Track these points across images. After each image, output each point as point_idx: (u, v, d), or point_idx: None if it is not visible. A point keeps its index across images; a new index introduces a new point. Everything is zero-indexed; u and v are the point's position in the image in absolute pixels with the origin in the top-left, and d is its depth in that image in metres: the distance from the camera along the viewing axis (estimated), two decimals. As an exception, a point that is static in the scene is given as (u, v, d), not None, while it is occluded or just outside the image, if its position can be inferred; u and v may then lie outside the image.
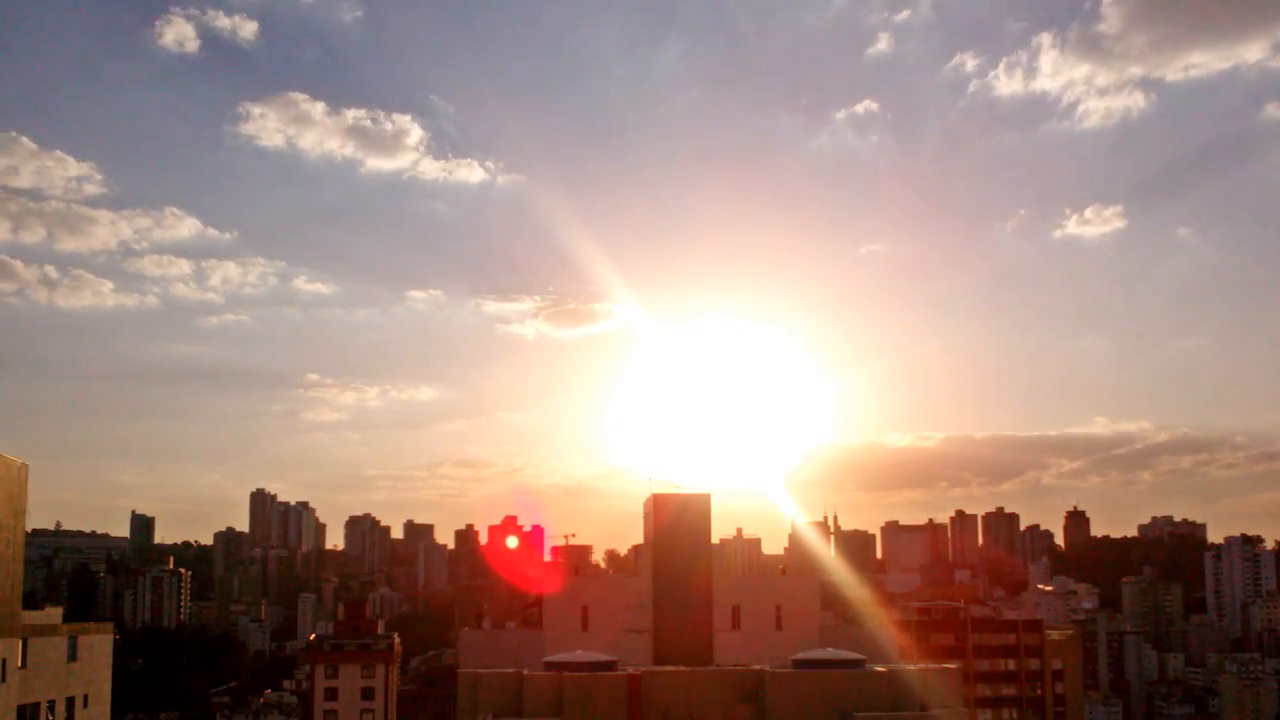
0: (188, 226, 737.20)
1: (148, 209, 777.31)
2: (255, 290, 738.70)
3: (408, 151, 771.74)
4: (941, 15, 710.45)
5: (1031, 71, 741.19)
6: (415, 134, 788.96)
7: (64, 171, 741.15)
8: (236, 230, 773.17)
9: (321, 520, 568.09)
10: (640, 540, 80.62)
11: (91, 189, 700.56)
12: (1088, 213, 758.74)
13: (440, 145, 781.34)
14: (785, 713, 59.81)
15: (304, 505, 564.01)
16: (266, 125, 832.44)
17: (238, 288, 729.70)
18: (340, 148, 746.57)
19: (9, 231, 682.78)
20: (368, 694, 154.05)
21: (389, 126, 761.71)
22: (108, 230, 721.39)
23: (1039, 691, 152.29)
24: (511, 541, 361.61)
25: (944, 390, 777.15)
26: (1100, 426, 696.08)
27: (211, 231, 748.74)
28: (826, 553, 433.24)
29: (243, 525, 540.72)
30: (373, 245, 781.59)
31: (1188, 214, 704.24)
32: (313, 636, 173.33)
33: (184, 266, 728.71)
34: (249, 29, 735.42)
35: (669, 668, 64.52)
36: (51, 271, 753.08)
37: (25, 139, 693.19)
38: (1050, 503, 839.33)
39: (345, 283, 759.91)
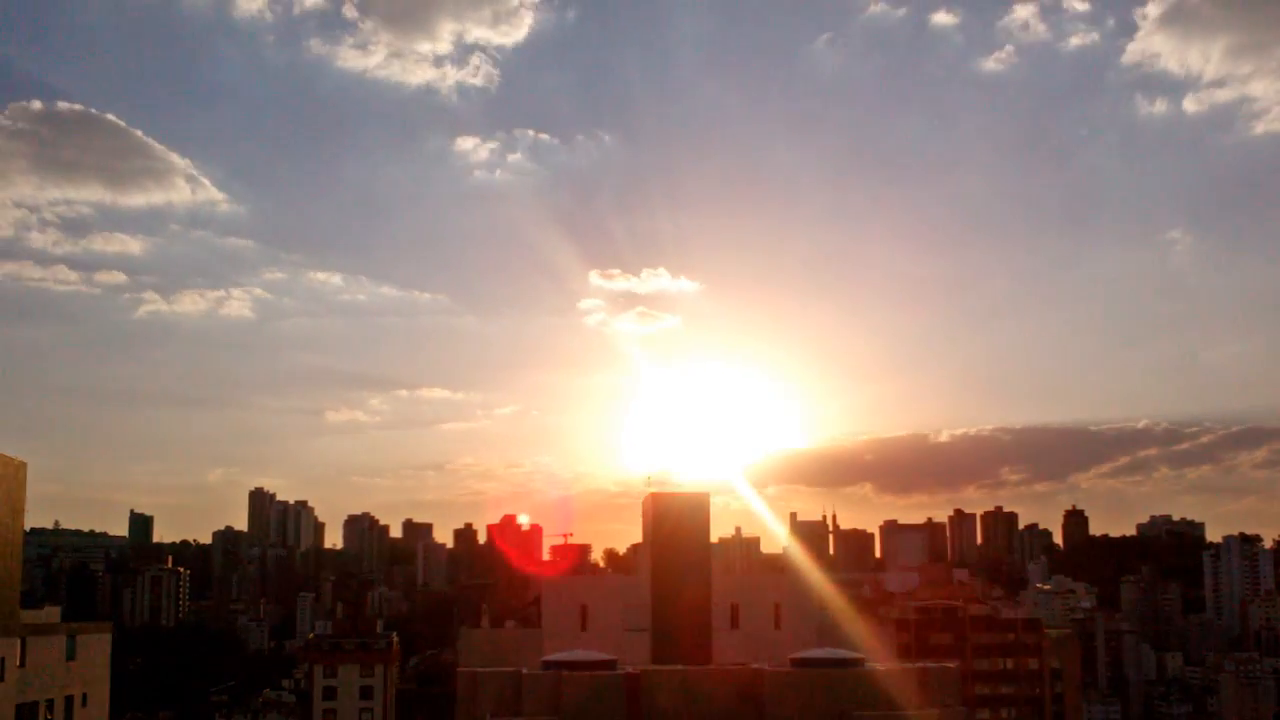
0: (296, 237, 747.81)
1: (262, 227, 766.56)
2: (353, 299, 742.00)
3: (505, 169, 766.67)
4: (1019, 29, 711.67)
5: (1098, 88, 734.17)
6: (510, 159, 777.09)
7: (180, 179, 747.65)
8: (341, 244, 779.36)
9: (320, 519, 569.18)
10: (639, 539, 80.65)
11: (215, 206, 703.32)
12: (1171, 231, 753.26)
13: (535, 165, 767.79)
14: (784, 711, 59.79)
15: (302, 504, 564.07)
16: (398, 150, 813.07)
17: (334, 296, 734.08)
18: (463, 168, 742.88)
19: (128, 236, 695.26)
20: (366, 693, 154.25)
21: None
22: (218, 245, 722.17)
23: (1038, 691, 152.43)
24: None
25: (969, 392, 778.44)
26: (1137, 426, 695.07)
27: (321, 242, 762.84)
28: (825, 551, 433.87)
29: (241, 524, 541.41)
30: (479, 260, 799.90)
31: (1238, 230, 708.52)
32: (312, 635, 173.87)
33: (279, 274, 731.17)
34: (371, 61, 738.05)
35: (668, 667, 64.46)
36: (148, 278, 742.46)
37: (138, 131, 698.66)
38: (1049, 502, 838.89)
39: (453, 294, 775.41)
